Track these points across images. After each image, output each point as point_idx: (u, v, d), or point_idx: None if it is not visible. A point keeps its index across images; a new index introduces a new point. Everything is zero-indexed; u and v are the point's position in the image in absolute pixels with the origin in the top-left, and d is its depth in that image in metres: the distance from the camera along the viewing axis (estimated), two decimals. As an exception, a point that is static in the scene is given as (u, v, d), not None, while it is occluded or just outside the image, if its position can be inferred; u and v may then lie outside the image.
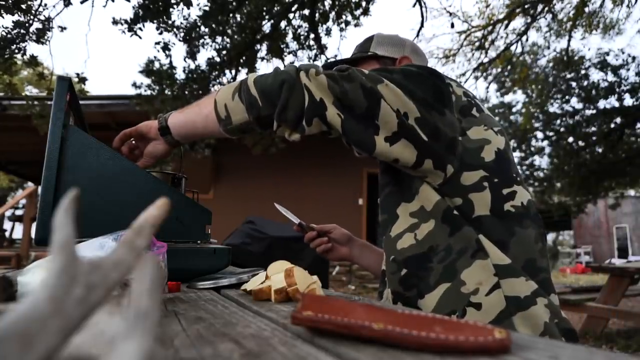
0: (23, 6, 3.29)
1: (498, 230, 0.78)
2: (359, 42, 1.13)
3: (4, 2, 3.14)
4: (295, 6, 5.06)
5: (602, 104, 8.54)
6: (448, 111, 0.81)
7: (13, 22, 3.36)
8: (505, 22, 7.65)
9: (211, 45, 5.10)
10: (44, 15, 3.49)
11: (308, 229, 1.14)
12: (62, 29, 3.63)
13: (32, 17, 3.42)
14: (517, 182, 0.84)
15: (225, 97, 0.80)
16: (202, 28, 4.85)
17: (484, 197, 0.79)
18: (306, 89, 0.75)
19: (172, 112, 0.89)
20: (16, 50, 3.44)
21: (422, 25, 6.04)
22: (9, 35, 3.37)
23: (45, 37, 3.53)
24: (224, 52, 5.11)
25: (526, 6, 6.98)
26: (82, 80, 4.04)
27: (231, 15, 4.93)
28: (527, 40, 8.15)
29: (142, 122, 0.92)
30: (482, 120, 0.85)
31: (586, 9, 7.54)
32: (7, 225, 7.56)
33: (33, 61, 3.53)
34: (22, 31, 3.41)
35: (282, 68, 0.80)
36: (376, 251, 1.17)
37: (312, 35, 5.27)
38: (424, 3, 5.65)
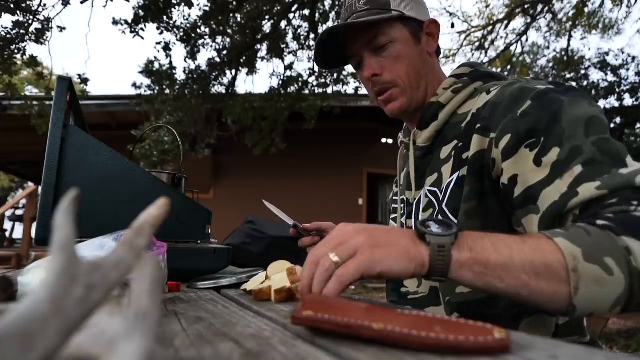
0: (22, 5, 3.29)
1: None
2: None
3: (3, 2, 3.15)
4: (296, 6, 5.06)
5: (602, 103, 8.54)
6: None
7: (12, 22, 3.36)
8: (505, 22, 7.65)
9: (211, 46, 5.10)
10: (44, 16, 3.49)
11: (303, 231, 1.07)
12: (62, 29, 3.63)
13: (31, 17, 3.42)
14: None
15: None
16: (202, 28, 4.85)
17: None
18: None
19: (461, 247, 0.49)
20: (15, 51, 3.44)
21: (422, 25, 6.03)
22: (8, 36, 3.37)
23: (45, 38, 3.53)
24: (224, 52, 5.11)
25: (526, 6, 6.98)
26: (85, 81, 4.04)
27: (231, 15, 4.93)
28: (527, 40, 8.17)
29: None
30: None
31: (586, 9, 7.54)
32: (7, 225, 7.55)
33: (33, 62, 3.53)
34: (21, 31, 3.41)
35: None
36: None
37: (312, 36, 5.27)
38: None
